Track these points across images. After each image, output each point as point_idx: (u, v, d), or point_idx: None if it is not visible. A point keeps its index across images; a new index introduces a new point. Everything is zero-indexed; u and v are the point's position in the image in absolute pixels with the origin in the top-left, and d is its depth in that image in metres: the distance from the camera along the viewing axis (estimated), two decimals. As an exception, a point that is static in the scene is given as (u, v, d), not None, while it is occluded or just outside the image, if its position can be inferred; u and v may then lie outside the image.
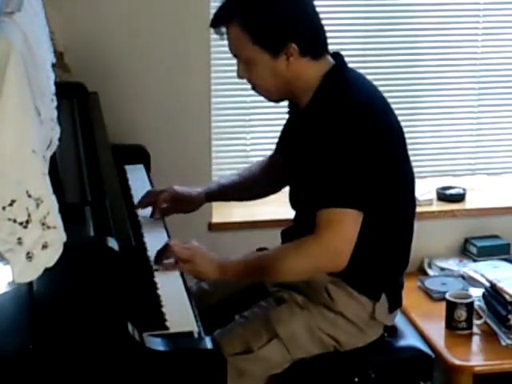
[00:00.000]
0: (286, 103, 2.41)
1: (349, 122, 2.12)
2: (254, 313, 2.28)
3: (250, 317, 2.27)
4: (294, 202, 2.37)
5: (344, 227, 2.11)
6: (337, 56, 2.28)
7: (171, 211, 2.55)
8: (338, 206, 2.10)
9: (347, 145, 2.11)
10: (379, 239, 2.24)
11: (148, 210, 2.52)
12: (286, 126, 2.50)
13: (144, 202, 2.52)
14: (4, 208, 1.33)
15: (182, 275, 2.15)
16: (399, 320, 2.45)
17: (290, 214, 2.45)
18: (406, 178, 2.28)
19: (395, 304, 2.34)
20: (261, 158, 3.21)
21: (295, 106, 2.33)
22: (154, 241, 2.31)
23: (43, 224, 1.37)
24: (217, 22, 2.24)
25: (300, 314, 2.25)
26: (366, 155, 2.11)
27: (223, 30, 2.24)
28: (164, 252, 2.17)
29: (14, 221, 1.34)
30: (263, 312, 2.26)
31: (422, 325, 2.89)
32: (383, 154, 2.15)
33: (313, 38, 2.21)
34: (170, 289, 2.06)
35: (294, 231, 2.30)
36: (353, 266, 2.20)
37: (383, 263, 2.28)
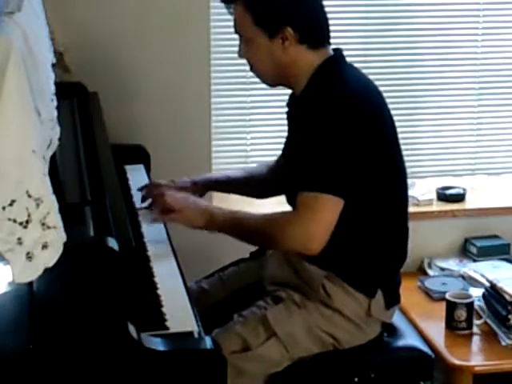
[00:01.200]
0: (286, 99, 2.42)
1: (337, 110, 2.14)
2: (252, 312, 2.28)
3: (249, 316, 2.27)
4: (289, 196, 2.38)
5: (321, 212, 2.12)
6: (336, 50, 2.31)
7: None
8: (316, 190, 2.12)
9: (332, 131, 2.13)
10: (373, 235, 2.24)
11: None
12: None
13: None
14: (4, 208, 1.33)
15: (181, 275, 2.15)
16: (399, 320, 2.45)
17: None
18: (397, 175, 2.29)
19: (392, 300, 2.34)
20: (261, 159, 3.23)
21: (292, 95, 2.36)
22: (154, 241, 2.31)
23: (43, 224, 1.37)
24: (225, 1, 2.32)
25: (298, 312, 2.26)
26: (350, 143, 2.13)
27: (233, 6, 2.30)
28: (154, 197, 2.25)
29: (14, 221, 1.34)
30: (261, 311, 2.27)
31: (421, 325, 2.88)
32: (370, 145, 2.16)
33: (312, 28, 2.25)
34: (170, 289, 2.05)
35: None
36: (348, 262, 2.21)
37: (378, 259, 2.28)
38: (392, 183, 2.27)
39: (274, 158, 2.64)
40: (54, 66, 2.21)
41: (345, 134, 2.13)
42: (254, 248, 2.47)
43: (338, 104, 2.15)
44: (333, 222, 2.13)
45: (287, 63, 2.24)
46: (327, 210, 2.13)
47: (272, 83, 2.36)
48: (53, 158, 1.70)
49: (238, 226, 2.24)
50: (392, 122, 2.28)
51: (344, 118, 2.13)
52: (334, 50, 2.31)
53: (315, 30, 2.26)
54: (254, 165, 3.24)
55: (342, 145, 2.12)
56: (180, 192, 2.33)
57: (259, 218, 2.25)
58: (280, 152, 2.58)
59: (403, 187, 2.33)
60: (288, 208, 2.34)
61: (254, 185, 2.64)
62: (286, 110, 2.43)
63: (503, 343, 2.79)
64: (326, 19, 2.28)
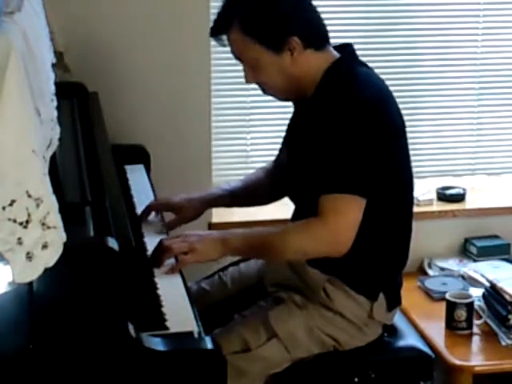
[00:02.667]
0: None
1: (352, 110, 2.13)
2: (253, 312, 2.28)
3: (249, 316, 2.27)
4: (295, 194, 2.37)
5: (348, 213, 2.12)
6: (345, 47, 2.30)
7: (171, 224, 2.54)
8: (341, 192, 2.11)
9: (350, 132, 2.12)
10: (377, 238, 2.24)
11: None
12: (290, 120, 2.48)
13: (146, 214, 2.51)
14: (4, 208, 1.33)
15: (181, 275, 2.15)
16: (399, 320, 2.45)
17: (289, 214, 2.45)
18: (404, 174, 2.29)
19: (394, 303, 2.34)
20: (261, 159, 3.23)
21: (300, 100, 2.34)
22: (154, 241, 2.31)
23: (43, 224, 1.37)
24: (217, 30, 2.26)
25: (299, 313, 2.25)
26: (368, 143, 2.12)
27: (224, 37, 2.26)
28: (162, 254, 2.16)
29: (14, 221, 1.34)
30: (262, 312, 2.27)
31: (422, 325, 2.88)
32: (384, 143, 2.16)
33: (313, 29, 2.23)
34: (170, 289, 2.05)
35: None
36: (350, 266, 2.21)
37: (380, 262, 2.28)
38: (400, 185, 2.27)
39: (271, 159, 2.62)
40: (54, 65, 2.21)
41: (362, 133, 2.12)
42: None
43: (350, 106, 2.14)
44: (358, 221, 2.13)
45: (299, 73, 2.21)
46: (352, 211, 2.12)
47: (288, 98, 2.34)
48: (53, 158, 1.70)
49: (258, 244, 2.19)
50: (402, 121, 2.27)
51: (360, 118, 2.12)
52: (345, 45, 2.30)
53: (316, 30, 2.25)
54: (254, 166, 3.25)
55: (360, 145, 2.12)
56: (180, 235, 2.21)
57: (279, 230, 2.20)
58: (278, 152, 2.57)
59: (410, 188, 2.33)
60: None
61: (254, 193, 2.59)
62: (288, 110, 2.42)
63: (503, 343, 2.79)
64: (321, 17, 2.26)
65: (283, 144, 2.53)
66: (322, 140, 2.17)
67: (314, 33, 2.23)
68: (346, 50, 2.30)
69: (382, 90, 2.26)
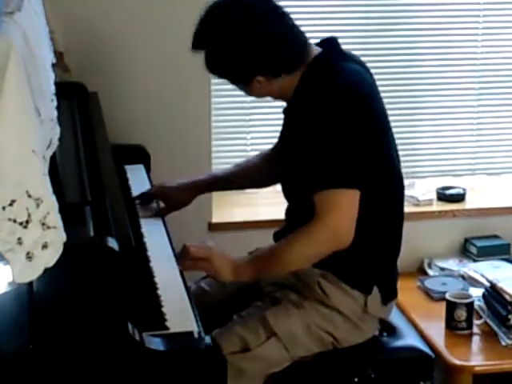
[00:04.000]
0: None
1: (332, 104, 2.14)
2: (251, 312, 2.29)
3: (248, 316, 2.27)
4: (287, 191, 2.38)
5: (344, 207, 2.13)
6: (326, 42, 2.32)
7: (165, 210, 2.61)
8: (335, 187, 2.12)
9: (332, 126, 2.13)
10: (368, 230, 2.23)
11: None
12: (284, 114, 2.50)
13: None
14: (4, 208, 1.33)
15: (181, 275, 2.15)
16: (399, 320, 2.45)
17: (289, 214, 2.45)
18: (393, 168, 2.29)
19: (389, 296, 2.34)
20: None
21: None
22: (154, 241, 2.31)
23: (43, 224, 1.37)
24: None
25: (296, 312, 2.26)
26: (351, 134, 2.13)
27: None
28: (181, 255, 2.20)
29: (14, 221, 1.34)
30: (260, 311, 2.27)
31: (421, 325, 2.88)
32: (370, 133, 2.17)
33: (280, 61, 2.21)
34: (170, 289, 2.06)
35: (286, 231, 2.30)
36: (343, 259, 2.21)
37: (373, 255, 2.29)
38: (389, 176, 2.28)
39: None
40: (54, 65, 2.21)
41: (344, 126, 2.13)
42: (252, 248, 2.47)
43: (331, 97, 2.15)
44: (355, 213, 2.14)
45: (272, 91, 2.27)
46: (347, 204, 2.13)
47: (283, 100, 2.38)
48: (53, 158, 1.70)
49: (266, 264, 2.23)
50: (383, 109, 2.27)
51: (340, 111, 2.13)
52: (326, 40, 2.32)
53: (285, 59, 2.22)
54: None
55: (344, 137, 2.13)
56: (207, 242, 2.27)
57: (283, 246, 2.21)
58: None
59: (399, 180, 2.34)
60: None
61: (248, 178, 2.64)
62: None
63: (503, 343, 2.79)
64: (292, 32, 2.24)
65: (279, 137, 2.54)
66: (307, 138, 2.18)
67: (283, 63, 2.22)
68: (326, 46, 2.31)
69: (362, 80, 2.26)
